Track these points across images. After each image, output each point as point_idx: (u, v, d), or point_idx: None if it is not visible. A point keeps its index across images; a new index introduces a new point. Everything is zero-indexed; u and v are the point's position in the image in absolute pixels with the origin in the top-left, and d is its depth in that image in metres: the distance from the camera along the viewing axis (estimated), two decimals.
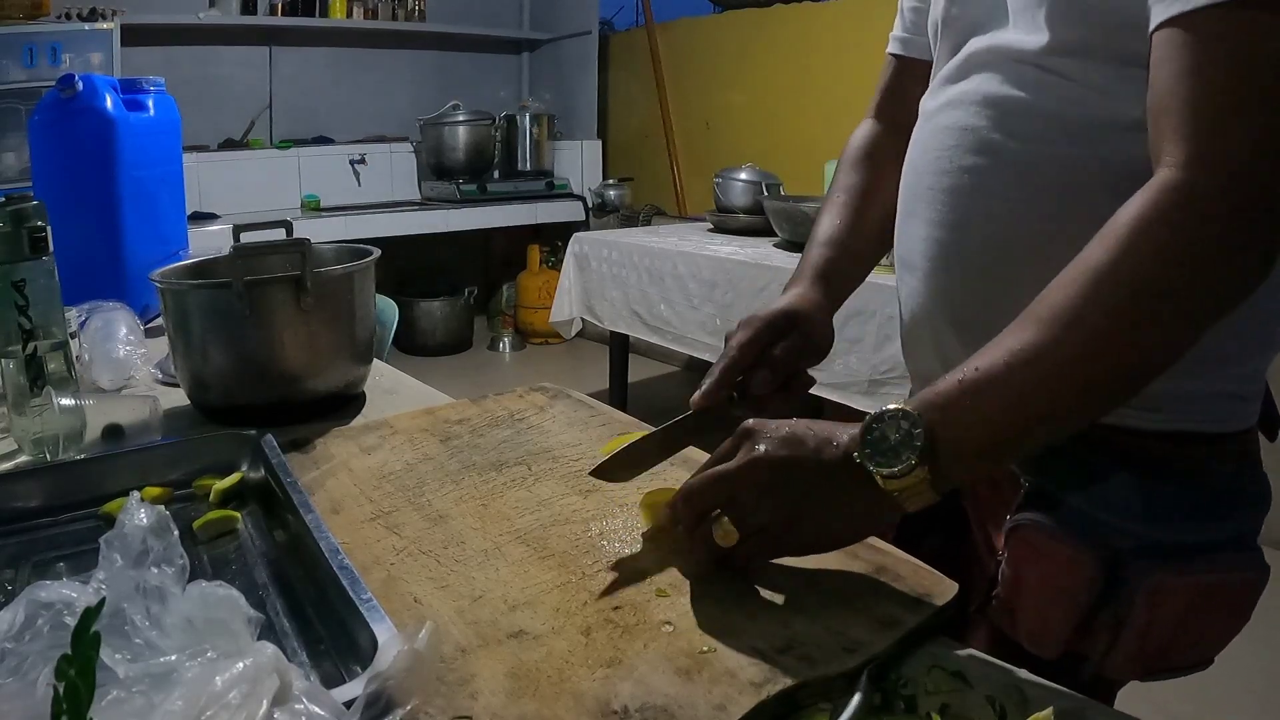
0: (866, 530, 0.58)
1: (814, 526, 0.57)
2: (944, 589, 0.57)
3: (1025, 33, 0.63)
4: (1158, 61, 0.52)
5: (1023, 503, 0.65)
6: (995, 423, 0.52)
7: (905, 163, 0.77)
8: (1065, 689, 0.49)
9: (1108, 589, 0.62)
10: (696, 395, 0.67)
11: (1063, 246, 0.55)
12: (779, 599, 0.56)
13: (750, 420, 0.59)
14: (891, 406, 0.53)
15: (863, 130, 0.90)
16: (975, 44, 0.69)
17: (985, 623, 0.68)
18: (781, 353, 0.70)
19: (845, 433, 0.55)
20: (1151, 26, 0.53)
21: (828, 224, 0.82)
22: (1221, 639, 0.66)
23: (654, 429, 0.70)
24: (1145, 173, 0.53)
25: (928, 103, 0.75)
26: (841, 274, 0.80)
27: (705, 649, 0.51)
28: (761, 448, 0.56)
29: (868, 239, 0.83)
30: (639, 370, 3.85)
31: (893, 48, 0.88)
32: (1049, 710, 0.45)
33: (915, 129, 0.76)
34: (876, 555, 0.61)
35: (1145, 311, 0.50)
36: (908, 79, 0.85)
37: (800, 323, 0.72)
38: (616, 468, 0.68)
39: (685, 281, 2.59)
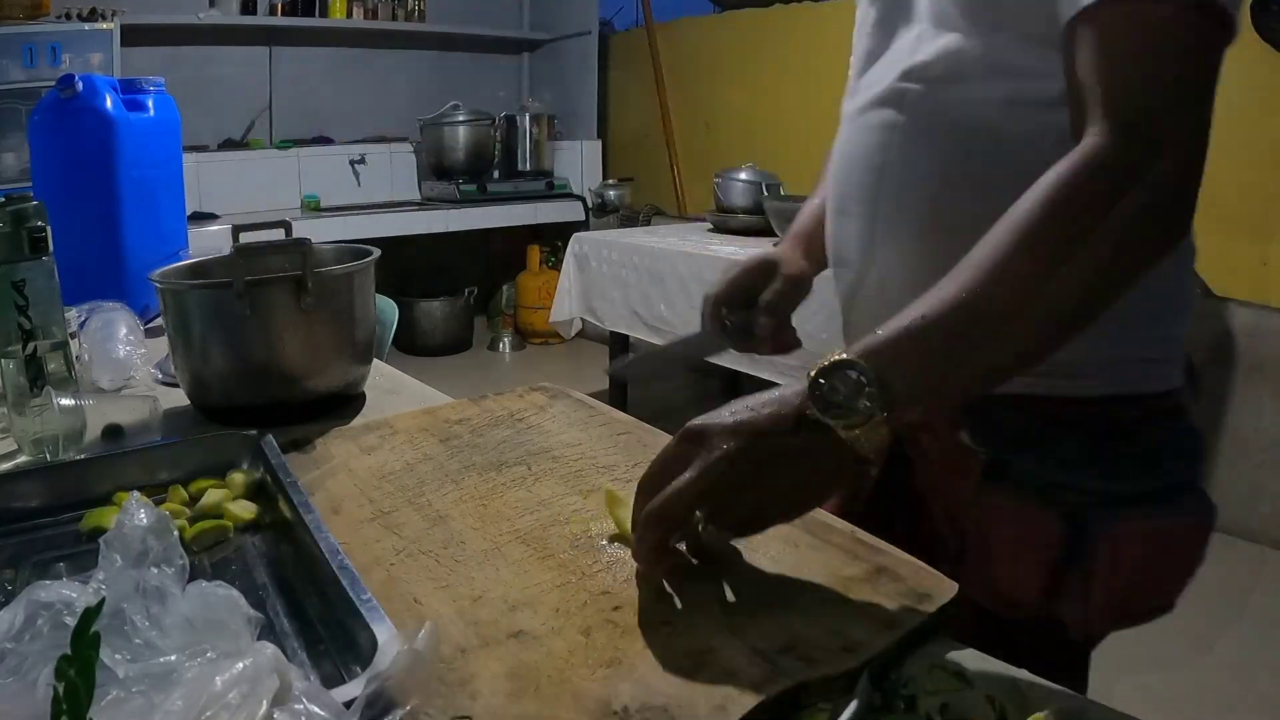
0: (840, 484, 0.58)
1: (790, 496, 0.56)
2: (944, 589, 0.57)
3: (940, 26, 0.69)
4: (1075, 49, 0.59)
5: (984, 473, 0.70)
6: (940, 361, 0.55)
7: (834, 163, 0.81)
8: (1065, 689, 0.49)
9: (1071, 544, 0.67)
10: (709, 303, 0.83)
11: (991, 222, 0.59)
12: (779, 599, 0.56)
13: (691, 422, 0.57)
14: (833, 358, 0.54)
15: None
16: (898, 43, 0.74)
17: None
18: (769, 295, 0.83)
19: (791, 393, 0.55)
20: (1066, 18, 0.59)
21: (810, 205, 0.92)
22: (1179, 583, 0.72)
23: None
24: (1063, 145, 0.58)
25: (846, 104, 0.80)
26: (817, 239, 0.86)
27: (705, 649, 0.51)
28: (716, 446, 0.55)
29: None
30: None
31: None
32: (1049, 710, 0.45)
33: (841, 130, 0.80)
34: (876, 555, 0.61)
35: (1064, 252, 0.55)
36: None
37: (779, 269, 0.84)
38: (637, 369, 0.81)
39: (685, 281, 2.59)
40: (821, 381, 0.54)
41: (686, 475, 0.55)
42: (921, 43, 0.71)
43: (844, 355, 0.54)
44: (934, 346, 0.55)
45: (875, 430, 0.53)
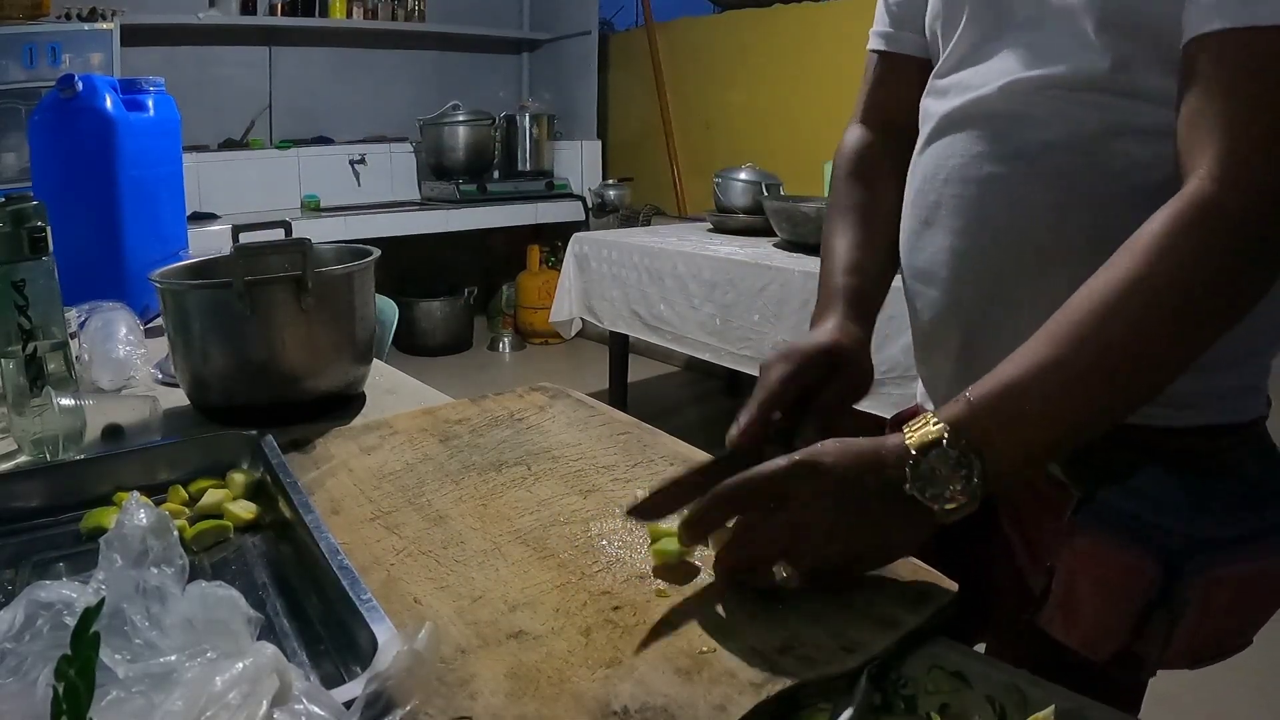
0: (913, 548, 0.58)
1: (867, 556, 0.56)
2: (944, 589, 0.57)
3: (1060, 33, 0.63)
4: (1191, 75, 0.54)
5: (1075, 510, 0.66)
6: (1030, 432, 0.53)
7: (917, 168, 0.75)
8: (1065, 689, 0.49)
9: (1163, 587, 0.63)
10: (734, 432, 0.62)
11: (1089, 255, 0.56)
12: (779, 599, 0.56)
13: (806, 452, 0.55)
14: (929, 431, 0.53)
15: (854, 137, 0.86)
16: (999, 46, 0.67)
17: (1027, 629, 0.68)
18: (829, 396, 0.66)
19: (891, 456, 0.54)
20: (1186, 39, 0.54)
21: (844, 247, 0.79)
22: (1261, 621, 0.68)
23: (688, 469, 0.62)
24: (1173, 183, 0.54)
25: (937, 105, 0.73)
26: (869, 301, 0.76)
27: (705, 649, 0.51)
28: (818, 498, 0.54)
29: (883, 259, 0.80)
30: (639, 370, 3.85)
31: (875, 44, 0.85)
32: (1049, 710, 0.45)
33: (926, 132, 0.74)
34: None
35: (1164, 323, 0.52)
36: (895, 77, 0.83)
37: (843, 362, 0.68)
38: (657, 507, 0.61)
39: (685, 281, 2.59)
40: (921, 461, 0.53)
41: (788, 511, 0.54)
42: (1036, 51, 0.64)
43: (942, 431, 0.53)
44: (1031, 415, 0.53)
45: (970, 505, 0.53)
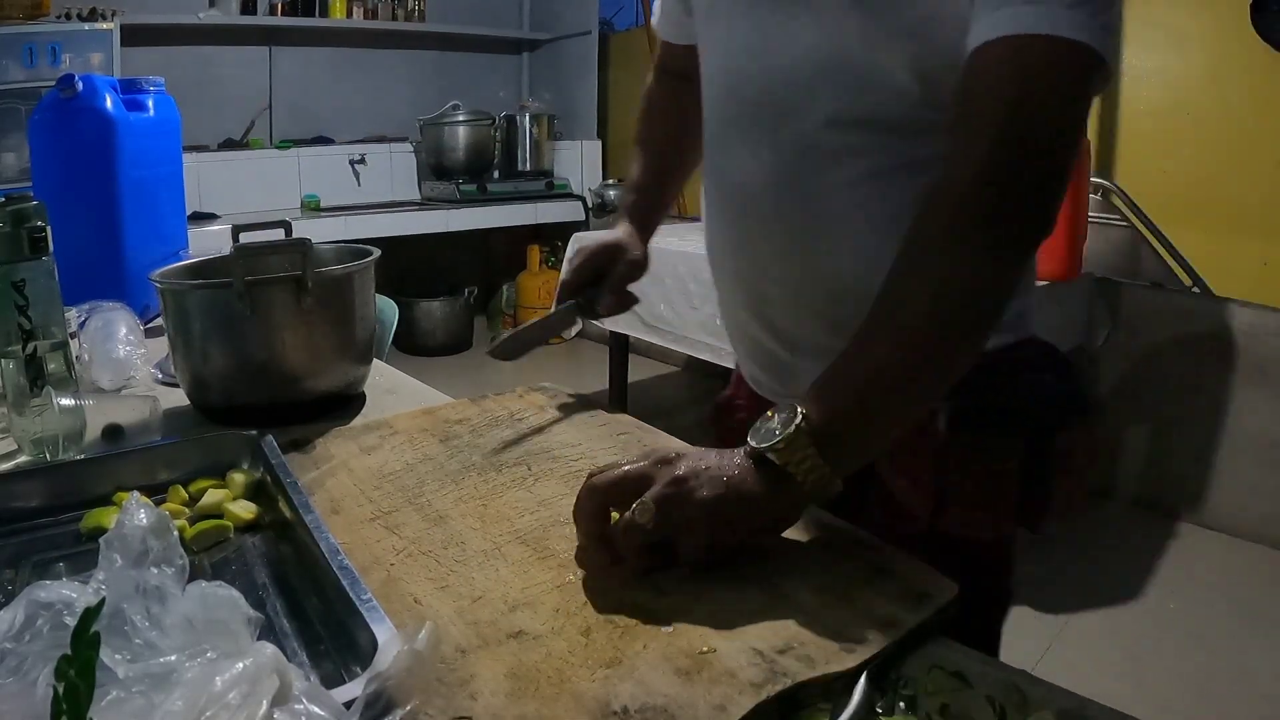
0: (790, 517, 0.62)
1: (740, 524, 0.59)
2: (944, 589, 0.57)
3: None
4: (967, 79, 0.62)
5: (944, 425, 0.77)
6: (851, 403, 0.61)
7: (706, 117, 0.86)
8: (1065, 689, 0.49)
9: (1031, 461, 0.76)
10: (562, 289, 0.96)
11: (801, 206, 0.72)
12: (779, 599, 0.56)
13: (662, 451, 0.61)
14: (781, 424, 0.59)
15: (651, 87, 1.06)
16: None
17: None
18: (615, 276, 0.95)
19: (749, 473, 0.60)
20: (971, 47, 0.62)
21: (637, 173, 1.05)
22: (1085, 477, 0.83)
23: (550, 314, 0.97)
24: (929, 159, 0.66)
25: (716, 61, 0.83)
26: (646, 212, 1.02)
27: (705, 649, 0.51)
28: (688, 499, 0.58)
29: (671, 184, 1.06)
30: (639, 370, 3.85)
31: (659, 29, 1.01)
32: (1049, 710, 0.45)
33: (707, 82, 0.85)
34: (876, 555, 0.61)
35: (963, 283, 0.61)
36: (673, 52, 1.00)
37: (624, 252, 0.96)
38: (511, 349, 0.98)
39: (685, 281, 2.58)
40: (759, 425, 0.60)
41: (649, 508, 0.57)
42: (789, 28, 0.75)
43: (800, 423, 0.58)
44: (843, 390, 0.61)
45: (815, 469, 0.59)
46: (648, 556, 0.58)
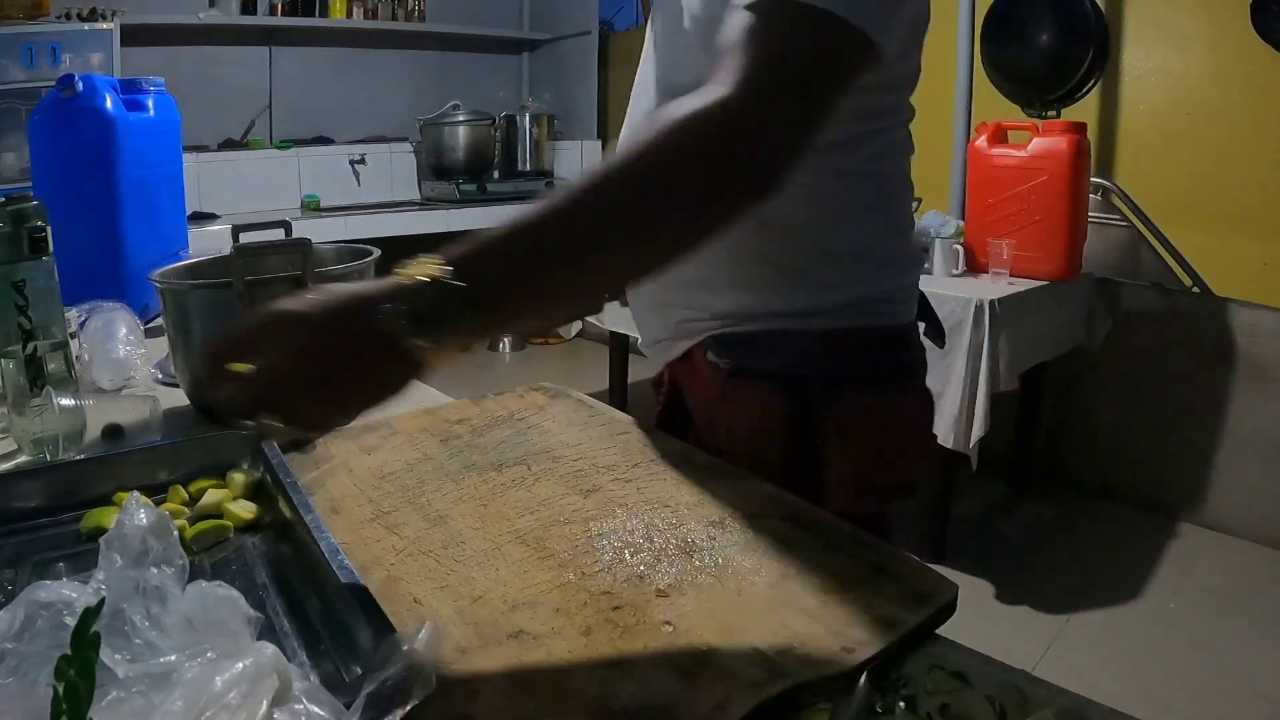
0: (403, 387, 0.56)
1: (353, 402, 0.55)
2: (944, 589, 0.57)
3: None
4: (732, 26, 0.64)
5: (729, 376, 0.83)
6: (523, 274, 0.57)
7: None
8: (1065, 689, 0.49)
9: (804, 421, 0.80)
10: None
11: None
12: (779, 599, 0.56)
13: (287, 301, 0.55)
14: (430, 269, 0.53)
15: None
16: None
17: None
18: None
19: (384, 294, 0.53)
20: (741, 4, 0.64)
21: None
22: (913, 466, 0.85)
23: None
24: None
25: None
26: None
27: (705, 649, 0.51)
28: (298, 342, 0.53)
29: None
30: (639, 370, 3.84)
31: None
32: (1049, 710, 0.45)
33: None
34: (876, 555, 0.61)
35: (663, 193, 0.59)
36: None
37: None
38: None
39: None
40: (420, 294, 0.52)
41: (256, 373, 0.52)
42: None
43: (442, 274, 0.53)
44: (525, 258, 0.57)
45: (462, 346, 0.55)
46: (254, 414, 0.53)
